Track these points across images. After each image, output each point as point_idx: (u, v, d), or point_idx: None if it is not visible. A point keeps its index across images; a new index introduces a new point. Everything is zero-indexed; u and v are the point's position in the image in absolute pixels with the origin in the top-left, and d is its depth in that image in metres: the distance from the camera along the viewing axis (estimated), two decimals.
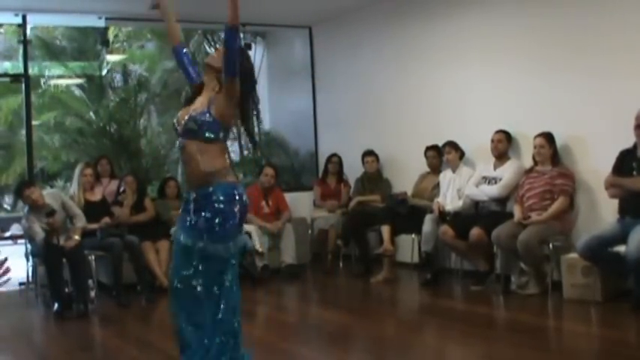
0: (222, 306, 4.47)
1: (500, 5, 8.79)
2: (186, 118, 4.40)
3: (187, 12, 10.84)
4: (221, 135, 4.40)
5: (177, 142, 4.45)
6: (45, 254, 7.98)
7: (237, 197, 4.37)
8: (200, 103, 4.44)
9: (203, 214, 4.33)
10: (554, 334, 6.77)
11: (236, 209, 4.36)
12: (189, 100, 4.58)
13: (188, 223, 4.40)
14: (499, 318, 7.53)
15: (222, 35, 4.43)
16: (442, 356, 6.20)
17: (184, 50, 4.90)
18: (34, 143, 10.95)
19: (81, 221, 8.31)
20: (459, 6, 9.28)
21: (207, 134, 4.33)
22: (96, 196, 9.00)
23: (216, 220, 4.32)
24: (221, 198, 4.32)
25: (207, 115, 4.33)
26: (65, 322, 7.66)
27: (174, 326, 4.52)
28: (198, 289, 4.40)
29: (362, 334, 6.93)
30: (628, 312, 6.77)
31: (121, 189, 9.28)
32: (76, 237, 8.09)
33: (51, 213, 7.92)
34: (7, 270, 3.95)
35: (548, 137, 7.90)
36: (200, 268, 4.38)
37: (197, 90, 4.57)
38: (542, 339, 6.33)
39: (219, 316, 4.47)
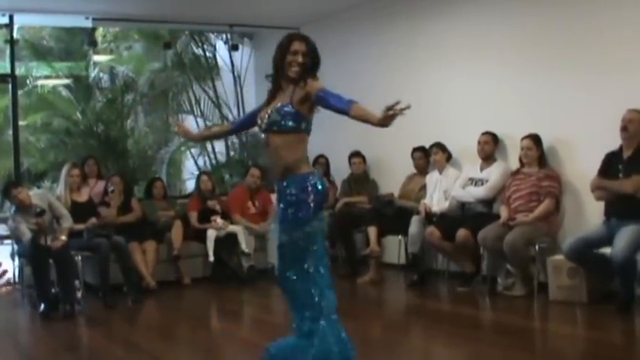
0: (311, 290, 4.60)
1: (487, 7, 8.82)
2: (269, 111, 4.63)
3: (174, 13, 10.85)
4: (303, 125, 4.60)
5: (263, 138, 4.76)
6: (32, 255, 7.96)
7: (309, 187, 4.54)
8: (281, 99, 4.65)
9: (280, 205, 4.62)
10: (540, 335, 6.80)
11: (309, 199, 4.53)
12: (268, 101, 4.77)
13: (278, 214, 4.71)
14: (485, 319, 7.56)
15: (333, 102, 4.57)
16: (428, 357, 6.23)
17: (238, 123, 5.38)
18: (21, 143, 10.92)
19: (67, 222, 8.29)
20: (447, 7, 9.31)
21: (290, 123, 4.55)
22: (83, 196, 8.98)
23: (289, 211, 4.54)
24: (293, 191, 4.54)
25: (290, 106, 4.56)
26: (51, 323, 7.64)
27: None
28: (292, 277, 4.61)
29: (348, 334, 6.93)
30: (613, 313, 6.82)
31: (110, 189, 9.26)
32: (63, 237, 8.07)
33: (40, 213, 7.90)
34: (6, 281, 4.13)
35: (536, 139, 7.94)
36: (287, 256, 4.62)
37: (275, 92, 4.76)
38: (527, 340, 6.37)
39: (308, 300, 4.62)
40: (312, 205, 4.53)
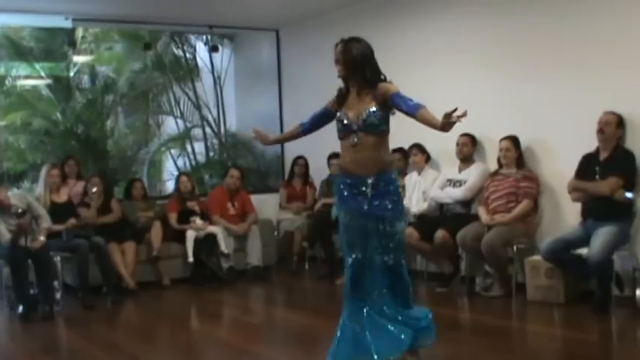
0: (402, 276, 5.13)
1: (466, 10, 8.86)
2: (364, 114, 5.08)
3: (154, 13, 10.84)
4: (389, 126, 5.17)
5: (352, 136, 5.13)
6: (10, 256, 7.91)
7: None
8: (367, 101, 5.15)
9: (390, 197, 5.05)
10: (518, 335, 6.85)
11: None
12: (342, 100, 5.33)
13: (367, 207, 5.05)
14: (464, 320, 7.59)
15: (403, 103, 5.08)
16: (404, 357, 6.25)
17: (308, 124, 5.69)
18: (0, 144, 10.87)
19: (46, 222, 8.25)
20: (427, 10, 9.35)
21: (383, 127, 5.11)
22: (62, 197, 8.95)
23: (398, 201, 5.10)
24: (398, 184, 5.16)
25: (380, 112, 5.09)
26: (30, 324, 7.61)
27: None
28: (390, 262, 5.06)
29: (327, 335, 6.89)
30: (589, 313, 6.89)
31: (92, 190, 9.22)
32: (42, 238, 8.04)
33: (22, 214, 7.87)
34: None
35: (514, 140, 7.99)
36: (386, 244, 5.04)
37: (345, 91, 5.35)
38: (506, 340, 6.42)
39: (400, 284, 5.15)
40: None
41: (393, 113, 5.19)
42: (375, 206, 5.02)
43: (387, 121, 5.12)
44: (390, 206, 5.03)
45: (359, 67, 5.20)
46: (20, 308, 7.82)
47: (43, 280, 7.94)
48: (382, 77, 5.25)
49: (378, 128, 5.08)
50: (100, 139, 14.02)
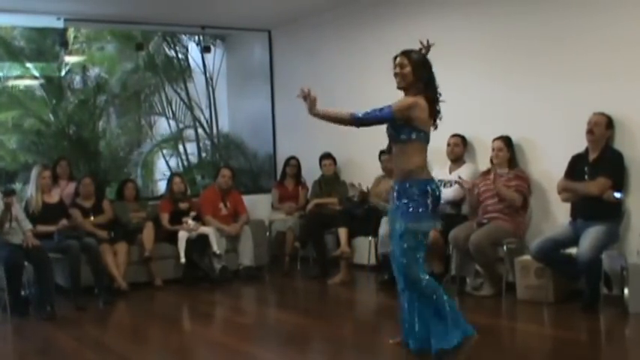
0: (420, 275, 5.33)
1: (458, 11, 8.89)
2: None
3: (147, 14, 10.85)
4: (414, 136, 5.27)
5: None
6: (7, 256, 7.86)
7: (429, 191, 5.30)
8: None
9: (403, 200, 5.30)
10: (508, 334, 6.88)
11: (428, 201, 5.29)
12: None
13: (394, 207, 5.42)
14: None
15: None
16: (398, 357, 6.27)
17: (359, 114, 5.44)
18: None
19: (27, 225, 8.18)
20: (418, 11, 9.36)
21: (402, 135, 5.28)
22: (53, 198, 8.93)
23: (410, 205, 5.25)
24: (416, 192, 5.26)
25: (397, 123, 5.29)
26: (21, 325, 7.61)
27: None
28: (400, 260, 5.33)
29: (319, 335, 6.99)
30: (579, 312, 6.95)
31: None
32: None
33: (11, 192, 7.86)
34: None
35: (506, 141, 8.03)
36: (399, 242, 5.31)
37: None
38: (495, 339, 6.43)
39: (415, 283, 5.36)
40: (429, 206, 5.29)
41: (435, 127, 5.49)
42: (396, 208, 5.38)
43: (406, 131, 5.26)
44: (402, 208, 5.30)
45: (422, 78, 5.48)
46: (12, 310, 7.80)
47: (42, 282, 7.92)
48: (437, 91, 5.52)
49: (397, 138, 5.32)
50: (91, 139, 14.02)
